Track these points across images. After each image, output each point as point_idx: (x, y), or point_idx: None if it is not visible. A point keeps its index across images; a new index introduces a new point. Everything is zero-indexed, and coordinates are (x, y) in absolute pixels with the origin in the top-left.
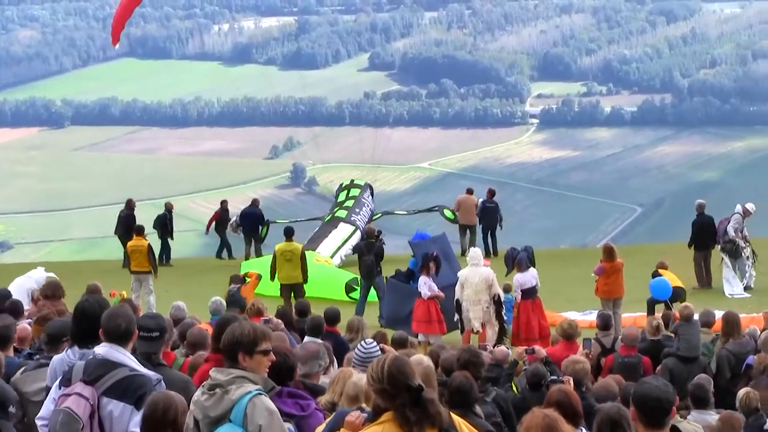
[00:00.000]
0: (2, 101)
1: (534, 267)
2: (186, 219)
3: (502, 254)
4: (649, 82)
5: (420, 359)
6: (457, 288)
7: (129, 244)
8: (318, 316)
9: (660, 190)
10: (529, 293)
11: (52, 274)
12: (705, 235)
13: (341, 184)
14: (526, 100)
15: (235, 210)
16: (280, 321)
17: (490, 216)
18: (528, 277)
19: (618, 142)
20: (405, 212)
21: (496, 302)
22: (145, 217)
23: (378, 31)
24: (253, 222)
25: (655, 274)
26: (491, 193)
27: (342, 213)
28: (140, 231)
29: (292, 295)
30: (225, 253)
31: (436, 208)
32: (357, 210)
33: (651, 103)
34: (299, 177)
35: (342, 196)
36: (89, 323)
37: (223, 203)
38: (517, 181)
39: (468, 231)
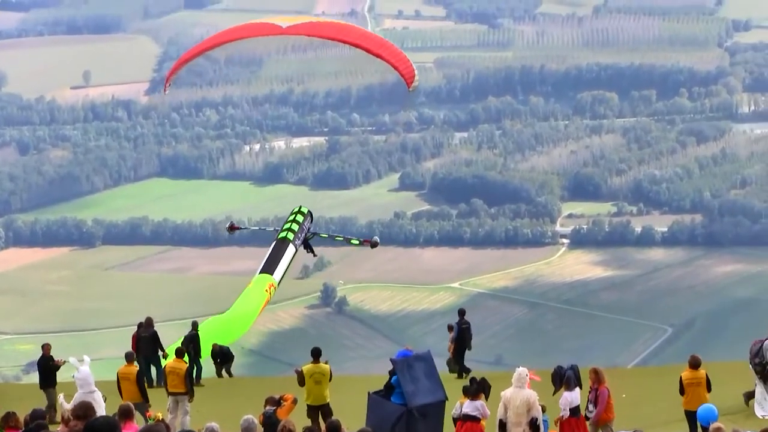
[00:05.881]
0: (33, 221)
1: (580, 386)
2: None
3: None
4: (679, 202)
5: None
6: (500, 409)
7: (167, 365)
8: None
9: (691, 310)
10: (574, 411)
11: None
12: None
13: (293, 210)
14: (556, 220)
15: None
16: None
17: (464, 337)
18: (576, 396)
19: (649, 262)
20: (329, 236)
21: (532, 425)
22: (174, 336)
23: (408, 151)
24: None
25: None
26: (463, 313)
27: (290, 235)
28: (180, 353)
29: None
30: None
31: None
32: (299, 235)
33: (681, 223)
34: (329, 297)
35: (291, 218)
36: None
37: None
38: (547, 301)
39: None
